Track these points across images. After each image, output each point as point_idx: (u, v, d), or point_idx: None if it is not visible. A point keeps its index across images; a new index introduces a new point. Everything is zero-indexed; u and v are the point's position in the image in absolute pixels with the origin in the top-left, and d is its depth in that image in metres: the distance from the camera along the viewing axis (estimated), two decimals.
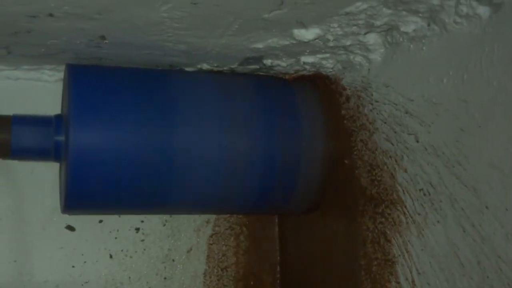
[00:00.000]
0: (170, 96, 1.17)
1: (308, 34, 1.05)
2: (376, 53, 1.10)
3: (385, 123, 1.08)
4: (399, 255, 1.03)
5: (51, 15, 0.96)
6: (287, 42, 1.10)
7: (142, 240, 1.41)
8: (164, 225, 1.43)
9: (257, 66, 1.26)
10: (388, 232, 1.06)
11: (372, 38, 1.07)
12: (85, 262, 1.36)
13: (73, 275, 1.35)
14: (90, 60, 1.21)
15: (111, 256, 1.38)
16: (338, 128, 1.22)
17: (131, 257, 1.40)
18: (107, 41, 1.10)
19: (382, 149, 1.09)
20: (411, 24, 0.99)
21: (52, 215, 1.34)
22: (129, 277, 1.39)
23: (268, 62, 1.22)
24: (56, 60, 1.23)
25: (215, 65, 1.26)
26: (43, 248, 1.34)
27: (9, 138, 1.11)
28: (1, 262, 1.31)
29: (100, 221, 1.38)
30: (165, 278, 1.42)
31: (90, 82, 1.15)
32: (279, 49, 1.14)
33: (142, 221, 1.41)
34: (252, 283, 1.47)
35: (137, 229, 1.41)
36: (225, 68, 1.28)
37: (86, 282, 1.36)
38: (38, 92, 1.34)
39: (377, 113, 1.10)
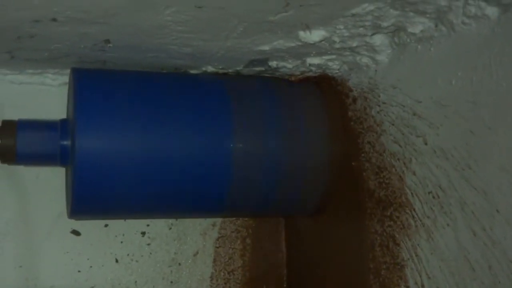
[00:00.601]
0: (176, 100, 1.16)
1: (314, 36, 1.04)
2: (383, 54, 1.09)
3: (392, 125, 1.07)
4: (408, 259, 1.02)
5: (54, 19, 0.95)
6: (292, 44, 1.09)
7: (148, 244, 1.40)
8: (170, 228, 1.42)
9: (262, 68, 1.25)
10: (397, 235, 1.05)
11: (378, 39, 1.06)
12: (91, 266, 1.36)
13: (79, 280, 1.35)
14: (94, 64, 1.20)
15: (117, 261, 1.38)
16: (345, 130, 1.21)
17: (137, 261, 1.39)
18: (111, 45, 1.09)
19: (390, 151, 1.08)
20: (419, 25, 0.97)
21: (58, 220, 1.33)
22: (136, 282, 1.38)
23: (273, 64, 1.21)
24: (60, 64, 1.23)
25: (220, 67, 1.25)
26: (49, 253, 1.33)
27: (14, 143, 1.11)
28: (7, 268, 1.30)
29: (106, 226, 1.37)
30: (171, 282, 1.41)
31: (95, 86, 1.14)
32: (285, 51, 1.13)
33: (148, 225, 1.40)
34: (259, 286, 1.46)
35: (143, 233, 1.40)
36: (230, 70, 1.27)
37: (92, 287, 1.35)
38: (41, 96, 1.34)
39: (385, 115, 1.09)
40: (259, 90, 1.24)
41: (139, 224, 1.40)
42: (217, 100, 1.19)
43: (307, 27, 1.02)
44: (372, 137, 1.12)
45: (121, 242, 1.38)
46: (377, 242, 1.10)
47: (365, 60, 1.12)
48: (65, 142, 1.13)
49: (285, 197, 1.24)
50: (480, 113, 0.88)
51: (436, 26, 0.95)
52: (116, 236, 1.38)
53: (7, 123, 1.13)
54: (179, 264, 1.42)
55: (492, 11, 0.86)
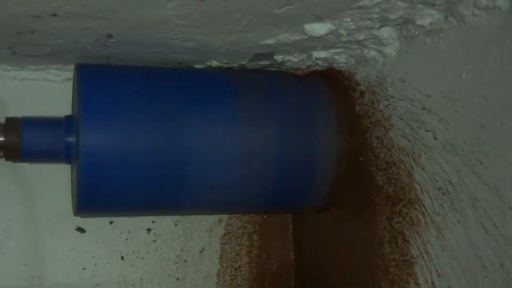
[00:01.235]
0: (182, 95, 1.14)
1: (320, 29, 1.01)
2: (391, 47, 1.07)
3: (401, 119, 1.05)
4: (418, 256, 1.00)
5: (54, 15, 0.93)
6: (298, 38, 1.07)
7: (154, 241, 1.39)
8: (176, 225, 1.41)
9: (268, 62, 1.23)
10: (406, 232, 1.03)
11: (386, 32, 1.03)
12: (96, 264, 1.34)
13: (84, 277, 1.34)
14: (97, 59, 1.19)
15: (122, 258, 1.36)
16: (352, 124, 1.19)
17: (142, 258, 1.38)
18: (113, 40, 1.08)
19: (398, 146, 1.05)
20: (427, 17, 0.95)
21: (62, 217, 1.32)
22: (141, 279, 1.37)
23: (279, 58, 1.19)
24: (62, 60, 1.21)
25: (225, 61, 1.23)
26: (54, 251, 1.32)
27: (19, 140, 1.09)
28: (12, 266, 1.29)
29: (111, 223, 1.36)
30: (177, 279, 1.39)
31: (100, 81, 1.12)
32: (290, 44, 1.11)
33: (154, 222, 1.39)
34: (266, 282, 1.45)
35: (149, 230, 1.38)
36: (235, 65, 1.25)
37: (98, 284, 1.34)
38: (44, 92, 1.32)
39: (393, 109, 1.07)
40: (265, 85, 1.22)
41: (144, 220, 1.38)
42: (223, 95, 1.17)
43: (313, 20, 0.99)
44: (380, 132, 1.10)
45: (127, 239, 1.37)
46: (386, 239, 1.08)
47: (372, 53, 1.10)
48: (70, 139, 1.11)
49: (292, 193, 1.22)
50: (491, 107, 0.85)
51: (445, 18, 0.93)
52: (121, 233, 1.37)
53: (12, 121, 1.11)
54: (185, 261, 1.40)
55: (503, 2, 0.83)
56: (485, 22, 0.87)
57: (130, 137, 1.09)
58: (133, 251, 1.37)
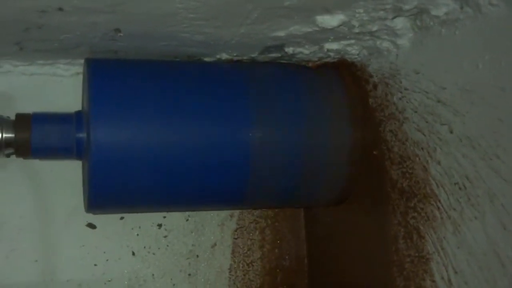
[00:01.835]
0: (193, 89, 1.12)
1: (332, 20, 0.99)
2: (405, 38, 1.04)
3: (415, 112, 1.02)
4: (434, 252, 0.98)
5: (60, 9, 0.92)
6: (310, 29, 1.05)
7: (165, 236, 1.37)
8: (187, 220, 1.39)
9: (278, 54, 1.20)
10: (422, 227, 1.01)
11: (400, 23, 1.01)
12: (107, 260, 1.33)
13: (96, 273, 1.33)
14: (105, 53, 1.17)
15: (133, 253, 1.35)
16: (365, 117, 1.16)
17: (154, 253, 1.37)
18: (122, 34, 1.06)
19: (413, 140, 1.03)
20: (442, 7, 0.92)
21: (73, 213, 1.30)
22: (153, 274, 1.36)
23: (290, 50, 1.17)
24: (71, 54, 1.19)
25: (235, 54, 1.21)
26: (65, 247, 1.31)
27: (29, 137, 1.08)
28: (23, 262, 1.28)
29: (122, 218, 1.35)
30: (189, 274, 1.38)
31: (110, 76, 1.10)
32: (302, 36, 1.09)
33: (165, 217, 1.37)
34: (279, 277, 1.43)
35: (159, 225, 1.37)
36: (245, 57, 1.23)
37: (109, 280, 1.33)
38: (53, 87, 1.30)
39: (407, 102, 1.04)
40: (277, 78, 1.20)
41: (155, 216, 1.37)
42: (235, 88, 1.15)
43: (325, 12, 0.97)
44: (394, 125, 1.08)
45: (137, 234, 1.36)
46: (401, 234, 1.06)
47: (385, 44, 1.08)
48: (80, 135, 1.10)
49: (306, 188, 1.20)
50: (509, 100, 0.83)
51: (461, 8, 0.90)
52: (132, 228, 1.36)
53: (22, 117, 1.10)
54: (197, 256, 1.39)
55: None
56: (503, 12, 0.84)
57: (141, 133, 1.07)
58: (144, 247, 1.36)
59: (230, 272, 1.41)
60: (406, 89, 1.05)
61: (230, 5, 0.93)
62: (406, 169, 1.05)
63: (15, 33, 1.03)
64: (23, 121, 1.09)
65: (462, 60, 0.92)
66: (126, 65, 1.16)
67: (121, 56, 1.19)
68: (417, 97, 1.02)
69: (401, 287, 1.06)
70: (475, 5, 0.87)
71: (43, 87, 1.29)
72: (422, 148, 1.00)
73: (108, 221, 1.34)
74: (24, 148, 1.09)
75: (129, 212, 1.33)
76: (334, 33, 1.06)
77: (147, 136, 1.08)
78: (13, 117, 1.11)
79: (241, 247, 1.42)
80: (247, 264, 1.42)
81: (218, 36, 1.08)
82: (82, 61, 1.22)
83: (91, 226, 1.33)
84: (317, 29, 1.03)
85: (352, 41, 1.11)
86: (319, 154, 1.17)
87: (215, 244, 1.41)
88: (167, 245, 1.38)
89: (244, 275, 1.41)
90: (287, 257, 1.44)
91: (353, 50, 1.14)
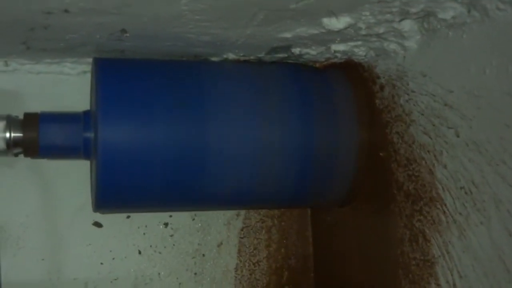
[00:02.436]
0: (202, 89, 1.12)
1: (338, 23, 0.98)
2: (412, 40, 1.03)
3: (422, 115, 1.01)
4: (439, 256, 0.97)
5: (66, 11, 0.91)
6: (316, 31, 1.04)
7: (171, 235, 1.38)
8: (193, 219, 1.39)
9: (285, 55, 1.20)
10: (427, 231, 1.00)
11: (407, 25, 1.00)
12: (113, 258, 1.34)
13: (102, 272, 1.33)
14: (112, 53, 1.17)
15: (140, 252, 1.35)
16: (372, 118, 1.16)
17: (160, 252, 1.37)
18: (128, 35, 1.06)
19: (419, 142, 1.02)
20: (450, 11, 0.91)
21: (79, 212, 1.31)
22: (159, 273, 1.36)
23: (296, 50, 1.16)
24: (77, 53, 1.19)
25: (241, 54, 1.20)
26: (71, 246, 1.32)
27: (37, 136, 1.08)
28: (29, 261, 1.29)
29: (128, 217, 1.35)
30: (195, 273, 1.38)
31: (118, 76, 1.10)
32: (308, 38, 1.08)
33: (171, 216, 1.38)
34: (285, 277, 1.43)
35: (166, 224, 1.37)
36: (252, 57, 1.22)
37: (116, 279, 1.34)
38: (60, 85, 1.31)
39: (414, 104, 1.04)
40: (285, 77, 1.19)
41: (161, 215, 1.37)
42: (242, 88, 1.15)
43: (332, 14, 0.96)
44: (401, 127, 1.07)
45: (144, 233, 1.36)
46: (407, 237, 1.06)
47: (392, 46, 1.07)
48: (88, 134, 1.10)
49: (312, 188, 1.19)
50: None
51: (468, 11, 0.89)
52: (138, 227, 1.36)
53: (30, 116, 1.11)
54: (203, 255, 1.39)
55: None
56: (510, 16, 0.83)
57: (150, 132, 1.07)
58: (151, 246, 1.36)
59: (236, 271, 1.41)
60: (413, 91, 1.04)
61: (236, 8, 0.93)
62: (412, 172, 1.04)
63: (21, 33, 1.03)
64: (31, 121, 1.10)
65: (469, 64, 0.91)
66: (134, 65, 1.15)
67: (128, 56, 1.19)
68: (424, 100, 1.01)
69: None
70: (483, 9, 0.86)
71: (49, 85, 1.30)
72: (429, 151, 1.00)
73: (114, 220, 1.34)
74: (32, 147, 1.09)
75: (136, 212, 1.34)
76: (341, 35, 1.05)
77: (155, 135, 1.07)
78: (20, 116, 1.11)
79: (247, 246, 1.42)
80: (253, 264, 1.42)
81: (225, 37, 1.08)
82: (88, 59, 1.23)
83: (98, 224, 1.33)
84: (323, 31, 1.03)
85: (359, 43, 1.10)
86: (326, 154, 1.16)
87: (221, 243, 1.41)
88: (173, 244, 1.38)
89: (250, 274, 1.42)
90: (293, 256, 1.44)
91: (360, 52, 1.13)
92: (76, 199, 1.30)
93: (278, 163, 1.14)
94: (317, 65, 1.25)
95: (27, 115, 1.11)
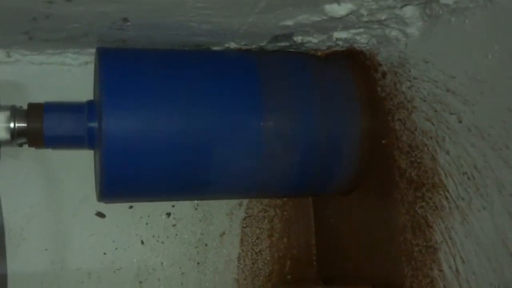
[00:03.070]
0: (206, 78, 1.12)
1: (340, 9, 0.98)
2: (414, 27, 1.03)
3: (424, 101, 1.02)
4: (442, 242, 0.97)
5: (68, 0, 0.91)
6: (318, 18, 1.04)
7: (174, 225, 1.38)
8: (196, 209, 1.40)
9: (287, 43, 1.20)
10: (430, 217, 1.00)
11: (409, 11, 1.00)
12: (116, 248, 1.34)
13: (105, 262, 1.33)
14: (114, 43, 1.17)
15: (142, 242, 1.36)
16: (374, 106, 1.16)
17: (163, 242, 1.37)
18: (129, 24, 1.06)
19: (421, 129, 1.03)
20: None
21: (83, 203, 1.31)
22: (162, 263, 1.37)
23: (298, 39, 1.16)
24: (79, 44, 1.19)
25: (243, 43, 1.20)
26: (74, 236, 1.32)
27: (41, 126, 1.09)
28: (32, 251, 1.29)
29: (131, 207, 1.35)
30: (198, 263, 1.39)
31: (121, 65, 1.10)
32: (310, 25, 1.08)
33: (173, 206, 1.38)
34: (287, 266, 1.43)
35: (168, 214, 1.38)
36: (253, 46, 1.22)
37: (118, 269, 1.34)
38: (62, 76, 1.30)
39: (416, 91, 1.04)
40: (287, 66, 1.19)
41: (164, 205, 1.37)
42: (246, 77, 1.15)
43: (334, 0, 0.97)
44: (403, 114, 1.07)
45: (146, 223, 1.36)
46: (409, 224, 1.06)
47: (394, 33, 1.07)
48: (92, 124, 1.10)
49: (314, 176, 1.20)
50: None
51: None
52: (141, 217, 1.36)
53: (34, 106, 1.11)
54: (206, 245, 1.40)
55: None
56: None
57: (153, 122, 1.08)
58: (153, 236, 1.37)
59: (238, 261, 1.41)
60: (415, 78, 1.04)
61: None
62: (415, 159, 1.04)
63: (23, 23, 1.03)
64: (35, 111, 1.10)
65: (471, 49, 0.91)
66: (137, 55, 1.16)
67: (130, 45, 1.19)
68: (426, 86, 1.01)
69: (409, 276, 1.06)
70: None
71: (51, 76, 1.29)
72: (431, 138, 1.00)
73: (117, 210, 1.34)
74: (36, 137, 1.10)
75: (141, 201, 1.34)
76: (343, 22, 1.05)
77: (159, 125, 1.08)
78: (23, 106, 1.12)
79: (250, 236, 1.42)
80: (256, 253, 1.42)
81: (226, 26, 1.08)
82: (90, 50, 1.23)
83: (100, 215, 1.33)
84: (325, 18, 1.03)
85: (361, 30, 1.10)
86: (329, 142, 1.16)
87: (223, 233, 1.41)
88: (176, 234, 1.38)
89: (253, 264, 1.42)
90: (295, 246, 1.44)
91: (362, 39, 1.14)
92: (79, 189, 1.31)
93: (280, 152, 1.14)
94: (319, 53, 1.25)
95: (31, 105, 1.11)
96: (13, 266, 1.26)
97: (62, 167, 1.31)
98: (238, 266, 1.41)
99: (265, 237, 1.43)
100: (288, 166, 1.16)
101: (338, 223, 1.34)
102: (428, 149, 1.01)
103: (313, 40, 1.16)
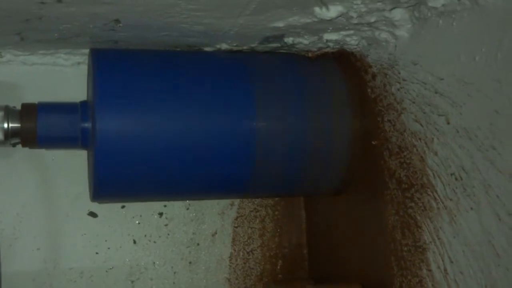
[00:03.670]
0: (198, 79, 1.14)
1: (330, 12, 0.99)
2: (403, 29, 1.04)
3: (413, 103, 1.03)
4: (430, 242, 0.99)
5: (59, 1, 0.92)
6: (308, 20, 1.05)
7: (166, 225, 1.39)
8: (188, 209, 1.40)
9: (278, 45, 1.21)
10: (418, 217, 1.01)
11: (398, 14, 1.01)
12: (108, 248, 1.35)
13: (97, 261, 1.34)
14: (105, 44, 1.18)
15: (134, 242, 1.36)
16: (364, 107, 1.17)
17: (155, 242, 1.38)
18: (121, 25, 1.06)
19: (411, 130, 1.04)
20: None
21: (75, 202, 1.32)
22: (154, 263, 1.37)
23: (289, 40, 1.17)
24: (71, 44, 1.20)
25: (235, 44, 1.21)
26: (67, 235, 1.33)
27: (35, 126, 1.09)
28: (25, 250, 1.30)
29: (123, 207, 1.36)
30: (190, 262, 1.40)
31: (114, 66, 1.11)
32: (301, 27, 1.09)
33: (165, 206, 1.39)
34: (279, 265, 1.44)
35: (160, 214, 1.38)
36: (245, 47, 1.23)
37: (111, 268, 1.35)
38: (54, 76, 1.31)
39: (405, 92, 1.05)
40: (279, 67, 1.21)
41: (156, 205, 1.38)
42: (238, 78, 1.16)
43: (323, 3, 0.97)
44: (393, 115, 1.08)
45: (139, 223, 1.37)
46: (398, 224, 1.07)
47: (384, 35, 1.08)
48: (85, 125, 1.11)
49: (305, 177, 1.21)
50: (506, 92, 0.83)
51: None
52: (133, 217, 1.37)
53: (28, 107, 1.12)
54: (198, 244, 1.40)
55: None
56: (499, 4, 0.84)
57: (146, 122, 1.09)
58: (145, 235, 1.37)
59: (230, 260, 1.42)
60: (404, 79, 1.05)
61: None
62: (404, 159, 1.05)
63: (15, 23, 1.04)
64: (29, 111, 1.11)
65: (459, 52, 0.92)
66: (130, 55, 1.16)
67: (122, 46, 1.20)
68: (415, 88, 1.02)
69: (398, 276, 1.07)
70: None
71: (44, 76, 1.31)
72: (420, 139, 1.01)
73: (109, 210, 1.35)
74: (30, 137, 1.10)
75: (134, 201, 1.35)
76: (333, 24, 1.06)
77: (152, 125, 1.09)
78: (15, 107, 1.12)
79: (242, 235, 1.43)
80: (247, 253, 1.43)
81: (218, 27, 1.09)
82: (82, 51, 1.24)
83: (93, 214, 1.34)
84: (315, 20, 1.04)
85: (351, 32, 1.11)
86: (320, 143, 1.18)
87: (215, 233, 1.42)
88: (168, 234, 1.39)
89: (244, 263, 1.43)
90: (287, 245, 1.45)
91: (352, 41, 1.14)
92: (72, 189, 1.32)
93: (273, 152, 1.15)
94: (310, 54, 1.25)
95: (25, 106, 1.12)
96: (5, 265, 1.27)
97: (55, 167, 1.32)
98: (230, 266, 1.42)
99: (257, 236, 1.44)
100: (280, 167, 1.17)
101: (329, 223, 1.35)
102: (417, 150, 1.02)
103: (304, 42, 1.17)
